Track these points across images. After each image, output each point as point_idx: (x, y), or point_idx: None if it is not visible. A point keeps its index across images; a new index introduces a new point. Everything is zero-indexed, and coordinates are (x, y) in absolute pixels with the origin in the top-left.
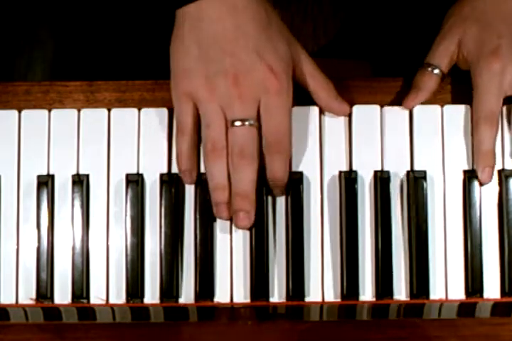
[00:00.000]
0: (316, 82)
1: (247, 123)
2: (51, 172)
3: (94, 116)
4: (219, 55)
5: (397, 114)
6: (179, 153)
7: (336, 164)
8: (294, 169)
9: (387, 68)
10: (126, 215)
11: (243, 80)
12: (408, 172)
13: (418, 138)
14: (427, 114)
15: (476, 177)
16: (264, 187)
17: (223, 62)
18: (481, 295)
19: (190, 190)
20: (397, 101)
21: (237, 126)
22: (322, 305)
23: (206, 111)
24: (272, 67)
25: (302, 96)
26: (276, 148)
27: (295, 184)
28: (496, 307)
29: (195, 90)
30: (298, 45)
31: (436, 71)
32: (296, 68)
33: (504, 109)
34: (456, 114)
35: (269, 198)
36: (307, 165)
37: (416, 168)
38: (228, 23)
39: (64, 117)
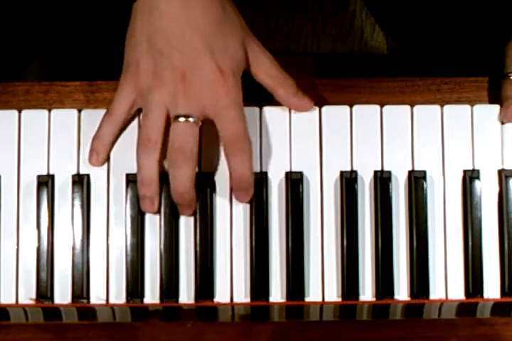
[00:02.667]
0: (272, 79)
1: (190, 119)
2: (51, 172)
3: (94, 116)
4: (168, 50)
5: (397, 114)
6: (98, 134)
7: (336, 164)
8: (294, 169)
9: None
10: (126, 215)
11: (190, 77)
12: (408, 172)
13: (418, 138)
14: (427, 114)
15: (476, 177)
16: (263, 188)
17: (171, 57)
18: (481, 295)
19: None
20: (397, 101)
21: (179, 122)
22: (322, 305)
23: (148, 102)
24: (221, 66)
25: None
26: (237, 148)
27: (295, 184)
28: (496, 307)
29: (141, 82)
30: (255, 43)
31: None
32: (251, 66)
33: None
34: (456, 114)
35: (269, 198)
36: (307, 165)
37: (416, 168)
38: (179, 17)
39: (64, 117)
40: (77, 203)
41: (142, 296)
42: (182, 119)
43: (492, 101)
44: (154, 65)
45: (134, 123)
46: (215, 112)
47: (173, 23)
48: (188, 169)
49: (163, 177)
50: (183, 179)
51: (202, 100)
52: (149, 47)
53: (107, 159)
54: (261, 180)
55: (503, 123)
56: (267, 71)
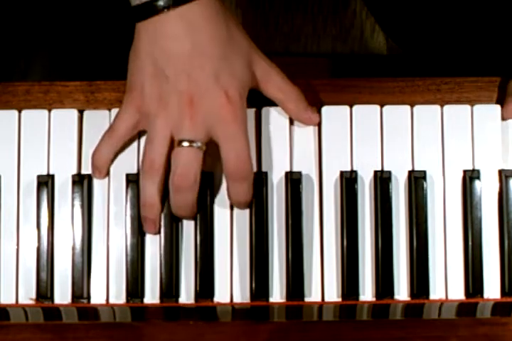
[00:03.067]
0: (283, 94)
1: (194, 145)
2: (51, 172)
3: (94, 116)
4: (173, 74)
5: (397, 114)
6: (97, 151)
7: (336, 164)
8: (294, 169)
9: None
10: (126, 215)
11: (197, 102)
12: (408, 172)
13: (418, 138)
14: (427, 114)
15: (476, 177)
16: (263, 188)
17: (178, 82)
18: (481, 295)
19: None
20: (397, 101)
21: (183, 147)
22: (322, 305)
23: (152, 126)
24: (228, 91)
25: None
26: (239, 175)
27: (295, 184)
28: (496, 307)
29: (146, 104)
30: (263, 58)
31: None
32: (260, 84)
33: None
34: (456, 114)
35: (269, 198)
36: (307, 165)
37: (416, 168)
38: (185, 41)
39: (64, 117)
40: (77, 203)
41: (142, 296)
42: (186, 144)
43: (492, 101)
44: (159, 90)
45: None
46: (221, 137)
47: (179, 47)
48: (190, 194)
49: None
50: (185, 204)
51: (208, 125)
52: (155, 70)
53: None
54: (261, 180)
55: (504, 119)
56: (277, 86)
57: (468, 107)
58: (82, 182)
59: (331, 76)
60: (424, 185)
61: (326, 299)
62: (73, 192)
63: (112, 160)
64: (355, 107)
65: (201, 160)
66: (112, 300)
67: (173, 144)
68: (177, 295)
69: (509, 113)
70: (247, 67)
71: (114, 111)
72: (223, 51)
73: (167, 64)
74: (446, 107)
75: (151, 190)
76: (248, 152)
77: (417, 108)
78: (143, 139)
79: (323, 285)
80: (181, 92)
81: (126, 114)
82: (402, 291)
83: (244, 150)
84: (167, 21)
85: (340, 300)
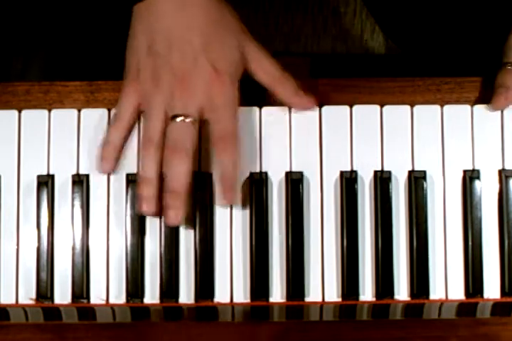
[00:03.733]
0: (272, 78)
1: (186, 120)
2: (51, 172)
3: (94, 116)
4: (166, 50)
5: (397, 114)
6: (107, 141)
7: (336, 164)
8: (294, 169)
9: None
10: (126, 215)
11: (188, 77)
12: (408, 172)
13: (418, 138)
14: (427, 114)
15: (476, 177)
16: (263, 187)
17: (169, 58)
18: (481, 295)
19: None
20: (397, 101)
21: (175, 122)
22: (322, 305)
23: (148, 104)
24: (217, 67)
25: None
26: (223, 147)
27: (295, 184)
28: (496, 307)
29: (142, 84)
30: (253, 42)
31: None
32: (250, 66)
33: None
34: (456, 114)
35: (269, 198)
36: (307, 165)
37: (416, 168)
38: (176, 18)
39: (64, 117)
40: (77, 203)
41: (142, 296)
42: (179, 119)
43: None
44: (153, 67)
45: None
46: (208, 111)
47: (172, 25)
48: (181, 167)
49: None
50: (176, 178)
51: (198, 100)
52: (148, 49)
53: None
54: (261, 180)
55: (493, 110)
56: (266, 70)
57: (468, 107)
58: (81, 182)
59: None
60: (424, 185)
61: (326, 299)
62: (73, 192)
63: (121, 151)
64: (355, 107)
65: (194, 134)
66: (111, 300)
67: (168, 119)
68: (177, 295)
69: (497, 105)
70: (237, 48)
71: (114, 110)
72: (213, 28)
73: (160, 41)
74: (446, 107)
75: (148, 165)
76: (234, 125)
77: (417, 108)
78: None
79: (323, 285)
80: (172, 68)
81: (126, 98)
82: (402, 291)
83: (230, 122)
84: (160, 2)
85: (340, 300)
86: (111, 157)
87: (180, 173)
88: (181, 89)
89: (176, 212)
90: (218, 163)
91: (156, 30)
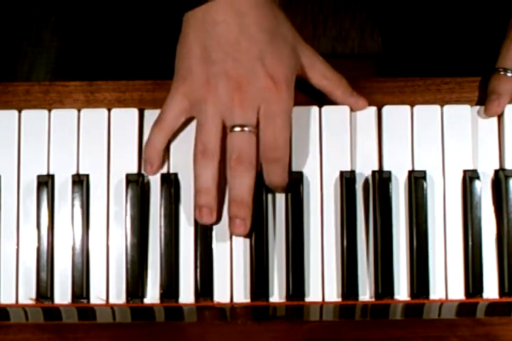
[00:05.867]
0: (328, 81)
1: (246, 129)
2: (51, 172)
3: (94, 116)
4: (221, 58)
5: (397, 114)
6: (149, 143)
7: (336, 164)
8: (294, 169)
9: (392, 67)
10: (126, 215)
11: (245, 86)
12: (408, 172)
13: (418, 138)
14: (427, 114)
15: (476, 177)
16: (263, 187)
17: (225, 66)
18: (481, 295)
19: (189, 190)
20: (397, 101)
21: (236, 132)
22: (322, 305)
23: (202, 112)
24: (273, 75)
25: (302, 96)
26: (274, 156)
27: (295, 184)
28: (496, 307)
29: (194, 90)
30: (307, 48)
31: (511, 74)
32: (306, 71)
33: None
34: (456, 114)
35: (269, 198)
36: (307, 165)
37: (416, 168)
38: (232, 26)
39: (64, 117)
40: (77, 203)
41: (142, 296)
42: (238, 129)
43: None
44: (207, 74)
45: (135, 122)
46: (262, 116)
47: (227, 32)
48: (247, 178)
49: (163, 178)
50: (241, 188)
51: (256, 108)
52: (202, 55)
53: (107, 159)
54: (261, 180)
55: (486, 116)
56: (322, 74)
57: (468, 107)
58: (81, 182)
59: None
60: (424, 185)
61: (326, 299)
62: (73, 192)
63: (164, 152)
64: None
65: (254, 144)
66: (111, 300)
67: (224, 129)
68: (177, 295)
69: (490, 111)
70: (293, 54)
71: (114, 110)
72: (269, 36)
73: (215, 48)
74: (446, 107)
75: (206, 175)
76: (286, 135)
77: (417, 108)
78: (142, 140)
79: (323, 285)
80: (229, 76)
81: (174, 102)
82: (402, 291)
83: (282, 132)
84: (215, 8)
85: (340, 300)
86: (154, 159)
87: (246, 184)
88: (240, 98)
89: (243, 222)
90: (266, 172)
91: (212, 38)
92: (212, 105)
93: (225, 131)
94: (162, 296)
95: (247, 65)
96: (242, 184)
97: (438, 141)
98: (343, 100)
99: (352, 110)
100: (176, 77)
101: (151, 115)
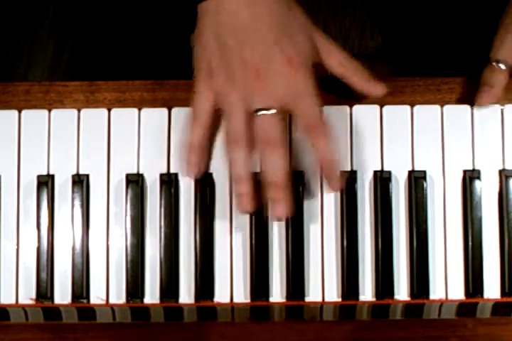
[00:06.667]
0: (345, 68)
1: (269, 111)
2: (51, 172)
3: (94, 116)
4: (237, 46)
5: (397, 114)
6: (190, 143)
7: None
8: (295, 168)
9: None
10: (126, 215)
11: (264, 72)
12: (408, 172)
13: (418, 138)
14: (427, 114)
15: (476, 177)
16: (263, 188)
17: (242, 54)
18: (481, 295)
19: (189, 190)
20: (397, 101)
21: (260, 115)
22: (322, 305)
23: (226, 102)
24: (291, 60)
25: None
26: (318, 131)
27: (296, 184)
28: (496, 307)
29: (217, 82)
30: (321, 35)
31: (504, 66)
32: (322, 58)
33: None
34: (456, 114)
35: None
36: (307, 165)
37: (416, 168)
38: (246, 14)
39: (64, 117)
40: (77, 203)
41: (142, 296)
42: (262, 112)
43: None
44: (226, 63)
45: (135, 122)
46: (291, 101)
47: (242, 20)
48: (278, 158)
49: (163, 178)
50: (275, 169)
51: (277, 92)
52: (219, 45)
53: (107, 159)
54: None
55: (476, 106)
56: (339, 60)
57: (468, 107)
58: (81, 182)
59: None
60: (424, 185)
61: (326, 299)
62: (73, 192)
63: (206, 150)
64: (356, 107)
65: (282, 125)
66: (111, 300)
67: (250, 115)
68: (177, 295)
69: (479, 102)
70: (308, 41)
71: (114, 110)
72: (284, 23)
73: (230, 38)
74: (446, 107)
75: (241, 164)
76: (320, 109)
77: (417, 108)
78: (142, 140)
79: (323, 285)
80: (246, 63)
81: (201, 97)
82: (402, 291)
83: (315, 109)
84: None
85: (340, 300)
86: (196, 160)
87: (279, 166)
88: (259, 83)
89: (284, 205)
90: (318, 149)
91: (226, 28)
92: (235, 94)
93: (249, 117)
94: (162, 296)
95: (262, 51)
96: (275, 165)
97: (438, 141)
98: (361, 86)
99: (369, 96)
100: (197, 71)
101: (148, 114)
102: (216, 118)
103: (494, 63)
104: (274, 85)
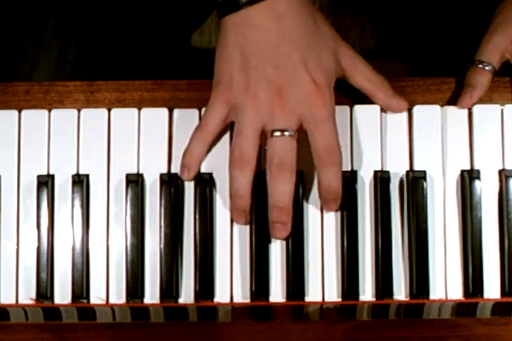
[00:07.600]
0: (371, 84)
1: (286, 133)
2: (51, 172)
3: (94, 116)
4: (261, 64)
5: (397, 114)
6: (189, 149)
7: None
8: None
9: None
10: (126, 215)
11: (286, 91)
12: (408, 172)
13: (418, 138)
14: (427, 114)
15: (476, 178)
16: (264, 188)
17: (266, 72)
18: (481, 295)
19: (190, 190)
20: None
21: (276, 136)
22: (322, 305)
23: (241, 118)
24: (316, 79)
25: None
26: (330, 160)
27: (296, 184)
28: (496, 307)
29: (234, 96)
30: (347, 49)
31: (488, 68)
32: (347, 73)
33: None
34: (456, 114)
35: None
36: (307, 165)
37: (416, 168)
38: (272, 31)
39: (64, 117)
40: (77, 203)
41: (142, 296)
42: (278, 134)
43: (492, 101)
44: (248, 80)
45: (135, 122)
46: (311, 124)
47: (267, 37)
48: (288, 184)
49: (163, 178)
50: (283, 194)
51: (298, 113)
52: (242, 61)
53: (107, 159)
54: (261, 180)
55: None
56: (364, 76)
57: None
58: (81, 182)
59: None
60: (424, 185)
61: (326, 299)
62: (73, 192)
63: (203, 159)
64: (356, 107)
65: (295, 148)
66: (111, 300)
67: (263, 135)
68: (177, 295)
69: (462, 104)
70: (334, 57)
71: (114, 110)
72: (310, 40)
73: (255, 54)
74: (446, 107)
75: (241, 181)
76: (337, 137)
77: (417, 108)
78: (142, 140)
79: (323, 285)
80: (269, 82)
81: (215, 108)
82: (401, 291)
83: (334, 135)
84: (255, 13)
85: (340, 300)
86: (193, 165)
87: (288, 191)
88: (282, 103)
89: (285, 227)
90: (322, 176)
91: (251, 42)
92: (252, 111)
93: (263, 137)
94: (162, 296)
95: (288, 70)
96: (284, 190)
97: (438, 141)
98: (385, 102)
99: (392, 111)
100: (216, 83)
101: (148, 114)
102: (223, 130)
103: (479, 64)
104: (295, 105)
